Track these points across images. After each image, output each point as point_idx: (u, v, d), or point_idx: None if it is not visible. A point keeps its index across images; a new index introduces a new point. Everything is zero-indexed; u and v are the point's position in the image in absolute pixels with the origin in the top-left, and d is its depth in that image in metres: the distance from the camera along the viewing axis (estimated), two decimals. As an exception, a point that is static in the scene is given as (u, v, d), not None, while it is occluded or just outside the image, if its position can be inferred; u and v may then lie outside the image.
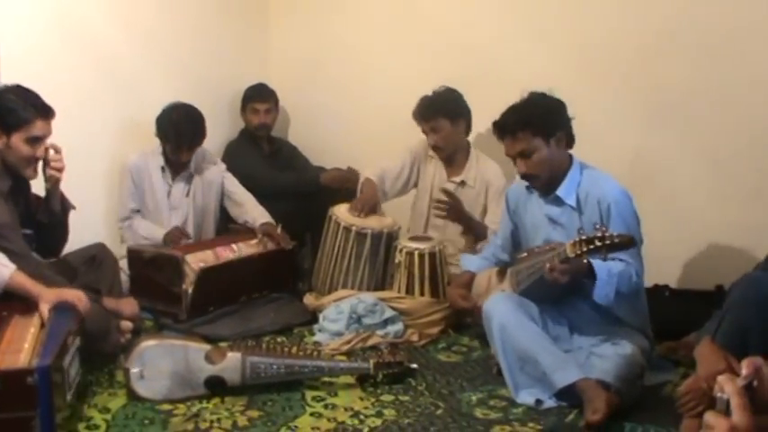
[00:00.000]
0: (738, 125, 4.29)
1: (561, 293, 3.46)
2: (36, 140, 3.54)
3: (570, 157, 3.59)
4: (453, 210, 4.55)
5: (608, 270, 3.28)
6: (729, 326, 2.89)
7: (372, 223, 4.49)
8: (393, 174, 4.77)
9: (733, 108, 4.30)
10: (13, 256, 3.33)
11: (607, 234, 3.00)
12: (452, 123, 4.58)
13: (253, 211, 4.81)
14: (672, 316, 4.01)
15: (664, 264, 4.23)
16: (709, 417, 1.16)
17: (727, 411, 1.15)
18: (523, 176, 3.60)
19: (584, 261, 3.18)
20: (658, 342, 3.75)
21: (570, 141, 3.57)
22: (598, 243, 3.01)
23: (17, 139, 3.51)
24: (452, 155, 4.70)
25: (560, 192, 3.56)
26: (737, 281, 3.02)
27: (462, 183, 4.68)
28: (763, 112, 4.23)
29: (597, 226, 3.07)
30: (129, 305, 3.89)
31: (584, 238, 3.05)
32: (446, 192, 4.59)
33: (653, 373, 3.59)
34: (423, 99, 4.60)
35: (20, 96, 3.53)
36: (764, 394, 1.21)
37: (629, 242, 3.08)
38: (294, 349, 3.70)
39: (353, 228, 4.44)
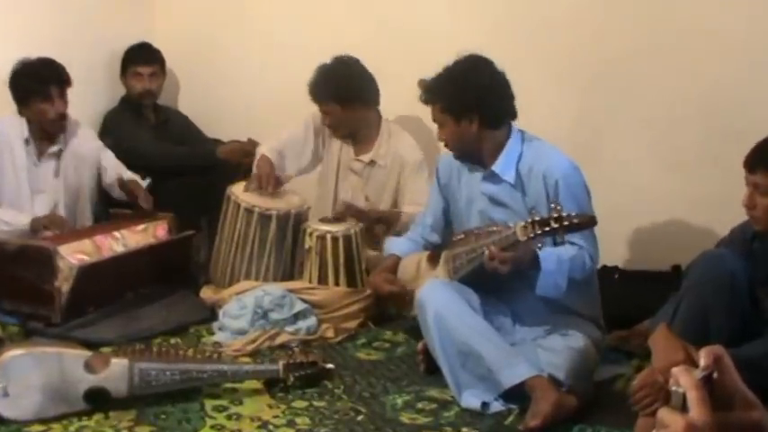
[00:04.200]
0: (693, 83, 4.36)
1: (504, 280, 3.48)
2: None
3: (509, 128, 3.63)
4: (360, 218, 4.56)
5: (557, 257, 3.31)
6: (687, 311, 2.94)
7: (278, 203, 4.47)
8: (295, 149, 4.75)
9: (686, 64, 4.37)
10: None
11: (564, 214, 3.02)
12: (343, 108, 4.58)
13: (124, 172, 4.76)
14: (622, 301, 4.06)
15: (612, 242, 4.29)
16: (663, 413, 1.16)
17: (683, 407, 1.16)
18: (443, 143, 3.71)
19: (532, 248, 3.21)
20: (608, 331, 3.80)
21: (495, 122, 3.59)
22: (554, 225, 3.02)
23: None
24: (356, 132, 4.71)
25: (497, 167, 3.59)
26: (696, 260, 3.08)
27: (372, 162, 4.70)
28: (720, 68, 4.30)
29: (552, 205, 3.09)
30: None
31: (537, 219, 3.06)
32: (344, 206, 4.61)
33: (603, 366, 3.65)
34: (315, 73, 4.58)
35: None
36: (726, 387, 1.22)
37: (590, 222, 3.12)
38: (190, 352, 3.69)
39: (256, 209, 4.40)
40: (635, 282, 4.33)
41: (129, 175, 4.72)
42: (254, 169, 4.63)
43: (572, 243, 3.33)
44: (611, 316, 3.81)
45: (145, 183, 4.69)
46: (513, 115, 3.64)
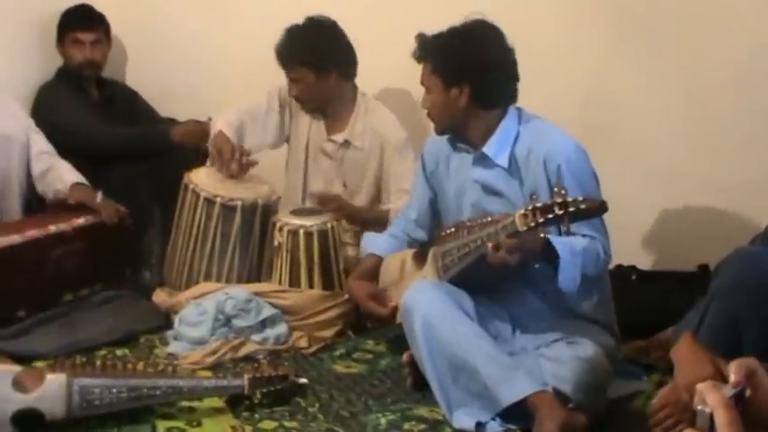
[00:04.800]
0: (727, 53, 4.35)
1: (502, 279, 3.47)
2: None
3: (504, 110, 3.62)
4: (340, 209, 4.57)
5: (569, 247, 3.28)
6: (716, 317, 2.93)
7: (243, 192, 4.46)
8: (256, 122, 4.75)
9: (718, 31, 4.36)
10: None
11: (569, 199, 2.98)
12: (318, 76, 4.57)
13: (63, 176, 4.65)
14: (641, 306, 4.08)
15: (629, 238, 4.30)
16: (688, 436, 1.16)
17: (710, 429, 1.16)
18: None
19: (538, 237, 3.19)
20: (625, 341, 3.81)
21: (487, 101, 3.59)
22: (558, 211, 2.97)
23: None
24: (327, 106, 4.71)
25: (488, 149, 3.58)
26: (727, 258, 3.06)
27: (346, 143, 4.70)
28: (760, 34, 4.29)
29: (556, 189, 3.05)
30: None
31: (538, 205, 3.02)
32: (319, 197, 4.64)
33: (619, 381, 3.64)
34: (285, 34, 4.58)
35: None
36: (760, 406, 1.22)
37: (599, 208, 3.08)
38: (140, 365, 3.67)
39: (218, 199, 4.39)
40: (655, 283, 4.35)
41: (73, 180, 4.61)
42: (210, 148, 4.63)
43: (582, 235, 3.33)
44: (628, 323, 3.81)
45: (98, 195, 4.59)
46: (512, 99, 3.63)
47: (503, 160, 3.56)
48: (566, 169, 3.42)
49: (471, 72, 3.55)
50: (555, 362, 3.42)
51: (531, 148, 3.53)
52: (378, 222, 4.56)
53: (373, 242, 4.16)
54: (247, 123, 4.71)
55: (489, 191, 3.62)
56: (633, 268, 4.41)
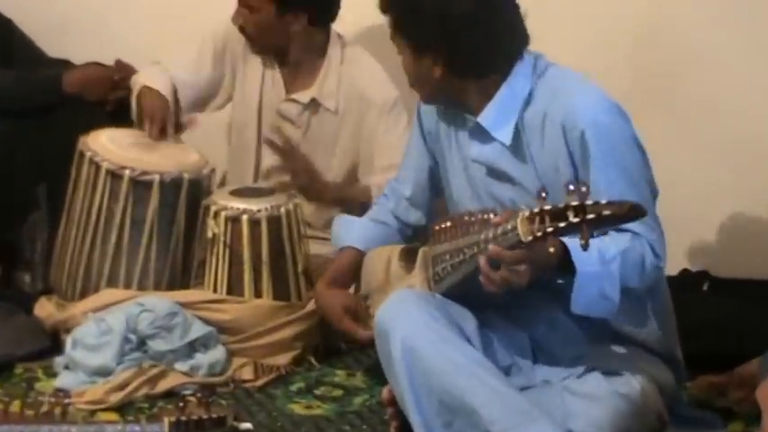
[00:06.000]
0: None
1: (516, 294, 3.42)
2: None
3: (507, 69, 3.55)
4: (293, 160, 4.65)
5: (599, 254, 3.24)
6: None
7: (162, 162, 4.47)
8: (185, 77, 4.78)
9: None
10: None
11: (589, 202, 2.90)
12: (280, 13, 4.55)
13: None
14: (715, 326, 4.09)
15: (698, 235, 4.30)
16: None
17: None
18: None
19: (550, 250, 3.11)
20: (691, 375, 3.81)
21: (471, 71, 3.52)
22: (573, 218, 2.90)
23: None
24: (286, 53, 4.72)
25: (485, 118, 3.53)
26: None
27: (314, 103, 4.72)
28: None
29: (570, 186, 2.96)
30: None
31: (547, 207, 2.97)
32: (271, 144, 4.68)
33: (680, 429, 3.63)
34: None
35: None
36: None
37: (631, 213, 2.99)
38: (16, 405, 3.66)
39: (126, 171, 4.39)
40: (735, 296, 4.36)
41: None
42: (134, 107, 4.67)
43: (620, 230, 3.28)
44: (696, 349, 3.82)
45: None
46: (509, 61, 3.53)
47: (503, 134, 3.50)
48: (592, 137, 3.35)
49: (440, 37, 3.47)
50: (587, 399, 3.39)
51: (548, 110, 3.47)
52: (356, 203, 4.58)
53: (350, 230, 4.13)
54: (176, 80, 4.74)
55: (496, 174, 3.57)
56: (705, 274, 4.43)
